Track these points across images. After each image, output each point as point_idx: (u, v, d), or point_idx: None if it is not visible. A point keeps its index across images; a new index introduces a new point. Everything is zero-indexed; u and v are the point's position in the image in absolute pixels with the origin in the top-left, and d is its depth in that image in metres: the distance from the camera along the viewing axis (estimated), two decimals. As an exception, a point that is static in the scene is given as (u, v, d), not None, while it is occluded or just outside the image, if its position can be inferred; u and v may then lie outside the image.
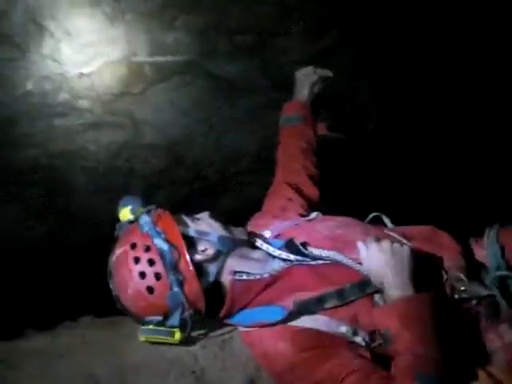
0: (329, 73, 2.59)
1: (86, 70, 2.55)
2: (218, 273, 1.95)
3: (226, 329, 2.03)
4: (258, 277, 1.95)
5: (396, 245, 1.86)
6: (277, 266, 1.99)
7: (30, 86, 2.55)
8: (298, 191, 2.39)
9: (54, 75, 2.53)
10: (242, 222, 2.24)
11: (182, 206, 2.22)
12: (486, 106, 3.28)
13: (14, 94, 2.55)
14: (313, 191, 2.44)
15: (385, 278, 1.83)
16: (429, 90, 3.24)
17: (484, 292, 1.93)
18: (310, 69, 2.59)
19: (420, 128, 3.21)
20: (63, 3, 2.37)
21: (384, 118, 2.94)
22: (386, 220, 2.17)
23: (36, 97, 2.58)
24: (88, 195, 2.76)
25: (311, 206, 2.37)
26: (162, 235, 1.91)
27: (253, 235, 2.10)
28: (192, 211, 2.08)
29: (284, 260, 1.99)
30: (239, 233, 2.06)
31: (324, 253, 1.98)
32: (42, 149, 2.65)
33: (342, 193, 2.52)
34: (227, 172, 2.96)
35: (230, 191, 2.89)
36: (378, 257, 1.85)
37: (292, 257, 1.98)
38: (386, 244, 1.86)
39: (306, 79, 2.59)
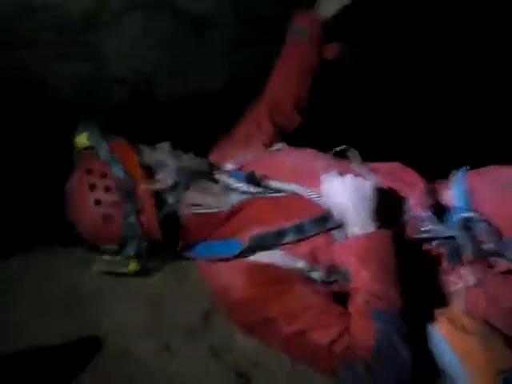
0: None
1: (51, 1, 2.47)
2: (177, 204, 1.93)
3: (184, 261, 2.03)
4: (216, 210, 1.94)
5: (359, 180, 1.85)
6: (236, 199, 1.98)
7: (-8, 14, 2.47)
8: (276, 116, 2.36)
9: (17, 4, 2.45)
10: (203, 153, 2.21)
11: (142, 139, 2.18)
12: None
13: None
14: (293, 118, 2.41)
15: (346, 214, 1.82)
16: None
17: (446, 233, 1.93)
18: None
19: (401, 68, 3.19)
20: None
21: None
22: (354, 154, 2.14)
23: (-3, 26, 2.50)
24: (47, 128, 2.68)
25: (284, 133, 2.34)
26: (120, 163, 1.89)
27: (214, 167, 2.07)
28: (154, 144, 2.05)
29: (244, 193, 1.97)
30: (200, 164, 2.04)
31: (285, 186, 1.97)
32: (2, 80, 2.57)
33: (317, 123, 2.48)
34: (191, 108, 2.91)
35: (192, 127, 2.84)
36: (340, 191, 1.84)
37: (252, 189, 1.97)
38: (348, 179, 1.84)
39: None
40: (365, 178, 1.89)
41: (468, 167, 2.12)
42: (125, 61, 2.66)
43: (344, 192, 1.83)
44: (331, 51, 2.47)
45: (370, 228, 1.80)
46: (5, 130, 2.55)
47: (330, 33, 2.47)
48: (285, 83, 2.42)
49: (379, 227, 1.82)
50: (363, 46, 2.67)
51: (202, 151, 2.21)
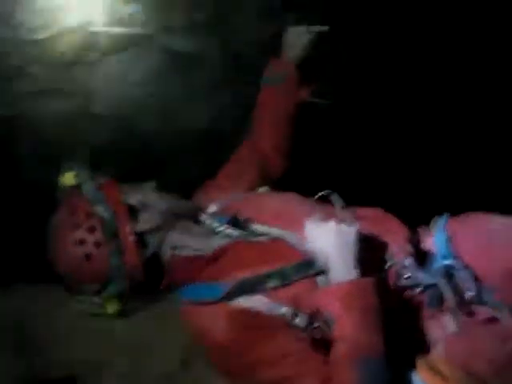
0: (324, 28, 2.48)
1: (39, 36, 2.50)
2: (159, 245, 1.93)
3: (165, 303, 2.01)
4: (199, 252, 1.93)
5: (343, 225, 1.84)
6: (220, 241, 1.96)
7: (-22, 48, 2.49)
8: (261, 162, 2.36)
9: (6, 39, 2.46)
10: (188, 197, 2.21)
11: (130, 178, 2.18)
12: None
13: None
14: (276, 163, 2.42)
15: (329, 259, 1.82)
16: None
17: (428, 280, 1.93)
18: (302, 28, 2.48)
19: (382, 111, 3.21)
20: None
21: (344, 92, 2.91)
22: (337, 199, 2.14)
23: (-16, 59, 2.51)
24: (31, 164, 2.70)
25: (267, 178, 2.35)
26: (105, 203, 1.88)
27: (198, 209, 2.07)
28: (138, 183, 2.05)
29: (227, 236, 1.97)
30: (184, 206, 2.04)
31: (268, 229, 1.96)
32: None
33: (298, 167, 2.50)
34: (174, 148, 2.93)
35: (175, 167, 2.86)
36: (323, 237, 1.83)
37: (236, 233, 1.96)
38: (332, 224, 1.84)
39: (298, 40, 2.48)
40: (348, 224, 1.89)
41: (448, 214, 2.13)
42: (110, 98, 2.69)
43: (327, 237, 1.82)
44: (304, 92, 2.49)
45: (353, 274, 1.80)
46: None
47: (304, 74, 2.49)
48: (265, 131, 2.42)
49: (362, 274, 1.82)
50: (334, 81, 2.71)
51: (186, 191, 2.22)
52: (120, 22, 2.60)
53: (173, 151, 2.91)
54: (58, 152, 2.60)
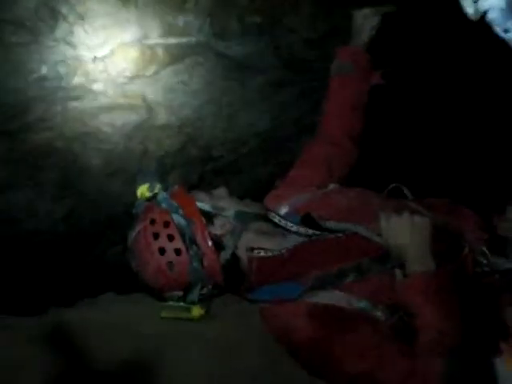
0: (392, 9, 2.46)
1: (99, 54, 2.56)
2: (236, 247, 1.95)
3: (246, 304, 2.03)
4: (275, 253, 1.95)
5: (416, 216, 1.84)
6: (294, 241, 1.98)
7: (44, 70, 2.55)
8: (330, 156, 2.35)
9: (68, 59, 2.53)
10: (255, 200, 2.23)
11: (195, 186, 2.22)
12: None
13: (29, 78, 2.55)
14: (351, 152, 2.39)
15: (405, 252, 1.82)
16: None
17: (507, 265, 1.91)
18: (369, 11, 2.46)
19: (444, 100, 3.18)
20: (75, -13, 2.36)
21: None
22: (406, 191, 2.14)
23: (50, 81, 2.59)
24: (103, 178, 2.76)
25: (339, 170, 2.33)
26: (180, 211, 1.92)
27: (271, 210, 2.09)
28: (209, 189, 2.09)
29: (301, 235, 1.98)
30: (256, 207, 2.06)
31: (342, 225, 1.97)
32: (57, 132, 2.67)
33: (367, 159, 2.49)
34: (239, 152, 2.97)
35: (243, 171, 2.89)
36: (397, 229, 1.83)
37: (310, 231, 1.97)
38: (406, 215, 1.84)
39: (366, 23, 2.46)
40: (421, 215, 1.88)
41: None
42: (172, 108, 2.73)
43: (402, 230, 1.82)
44: (376, 76, 2.45)
45: (431, 265, 1.79)
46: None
47: (373, 57, 2.46)
48: (339, 120, 2.40)
49: (439, 264, 1.82)
50: (402, 66, 2.66)
51: (256, 194, 2.24)
52: (175, 33, 2.63)
53: (238, 155, 2.93)
54: (127, 165, 2.67)
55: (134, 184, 2.01)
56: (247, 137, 2.96)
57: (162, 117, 2.76)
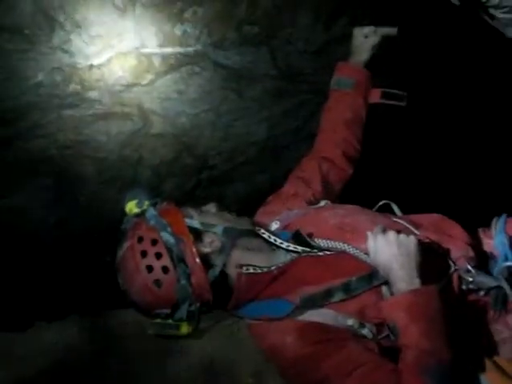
0: (393, 31, 2.45)
1: (95, 62, 2.56)
2: (225, 265, 1.96)
3: (234, 320, 2.04)
4: (264, 270, 1.95)
5: (402, 235, 1.85)
6: (284, 258, 1.99)
7: (40, 77, 2.56)
8: (327, 171, 2.36)
9: (64, 66, 2.54)
10: (250, 210, 2.24)
11: (191, 195, 2.23)
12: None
13: (25, 85, 2.56)
14: (345, 170, 2.40)
15: (391, 270, 1.83)
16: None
17: (492, 283, 1.92)
18: (370, 29, 2.45)
19: (433, 113, 3.19)
20: (72, -5, 2.37)
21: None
22: (395, 208, 2.15)
23: (46, 88, 2.60)
24: (98, 186, 2.78)
25: (333, 188, 2.34)
26: (169, 228, 1.91)
27: (261, 226, 2.09)
28: (201, 200, 2.09)
29: (291, 252, 1.99)
30: (246, 223, 2.06)
31: (331, 243, 1.97)
32: (52, 139, 2.67)
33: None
34: (235, 161, 2.97)
35: (239, 180, 2.90)
36: (383, 248, 1.84)
37: (299, 248, 1.98)
38: (392, 235, 1.84)
39: (366, 41, 2.45)
40: (408, 233, 1.89)
41: (506, 214, 2.12)
42: (168, 117, 2.73)
43: (388, 248, 1.83)
44: (375, 95, 2.45)
45: (416, 283, 1.80)
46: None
47: (373, 76, 2.46)
48: (334, 136, 2.41)
49: (424, 282, 1.83)
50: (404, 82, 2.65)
51: (249, 206, 2.25)
52: (172, 42, 2.63)
53: (234, 164, 2.94)
54: (122, 173, 2.67)
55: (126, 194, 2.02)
56: (244, 146, 2.96)
57: (157, 125, 2.77)
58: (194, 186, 2.75)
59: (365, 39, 2.46)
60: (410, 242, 1.84)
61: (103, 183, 2.72)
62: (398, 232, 1.86)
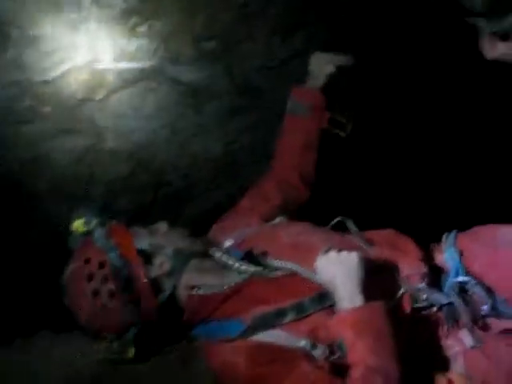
0: (349, 60, 2.48)
1: (49, 77, 2.53)
2: (175, 286, 1.95)
3: (185, 342, 2.03)
4: (216, 290, 1.95)
5: (344, 253, 1.86)
6: (236, 278, 1.98)
7: (-7, 92, 2.52)
8: (285, 190, 2.37)
9: (18, 82, 2.50)
10: (207, 227, 2.23)
11: (147, 212, 2.21)
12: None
13: (-22, 101, 2.51)
14: (300, 192, 2.44)
15: (335, 289, 1.84)
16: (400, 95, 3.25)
17: (444, 300, 1.94)
18: (327, 57, 2.48)
19: (383, 132, 3.22)
20: (26, 10, 2.33)
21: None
22: (350, 224, 2.16)
23: (2, 103, 2.55)
24: (50, 202, 2.74)
25: (291, 208, 2.36)
26: (117, 250, 1.89)
27: (214, 244, 2.08)
28: (156, 218, 2.08)
29: (243, 272, 1.98)
30: (198, 244, 2.06)
31: (283, 264, 1.98)
32: (5, 156, 2.62)
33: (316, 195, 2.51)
34: (192, 177, 2.95)
35: (195, 197, 2.88)
36: (326, 267, 1.85)
37: (252, 269, 1.98)
38: (332, 254, 1.86)
39: (322, 69, 2.47)
40: (355, 250, 1.90)
41: (457, 230, 2.14)
42: (122, 133, 2.71)
43: (330, 267, 1.84)
44: (325, 120, 2.47)
45: (359, 300, 1.81)
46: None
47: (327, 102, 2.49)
48: (290, 159, 2.45)
49: (370, 298, 1.83)
50: (356, 108, 2.69)
51: (203, 224, 2.24)
52: (127, 57, 2.61)
53: (191, 181, 2.93)
54: (75, 190, 2.65)
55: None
56: (201, 163, 2.95)
57: (111, 142, 2.73)
58: (149, 202, 2.72)
59: (322, 65, 2.48)
60: (352, 259, 1.85)
61: (56, 201, 2.68)
62: (341, 250, 1.87)
